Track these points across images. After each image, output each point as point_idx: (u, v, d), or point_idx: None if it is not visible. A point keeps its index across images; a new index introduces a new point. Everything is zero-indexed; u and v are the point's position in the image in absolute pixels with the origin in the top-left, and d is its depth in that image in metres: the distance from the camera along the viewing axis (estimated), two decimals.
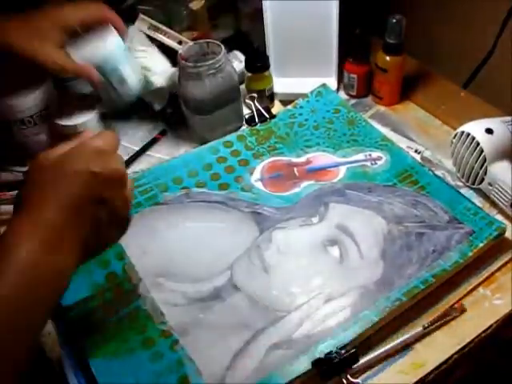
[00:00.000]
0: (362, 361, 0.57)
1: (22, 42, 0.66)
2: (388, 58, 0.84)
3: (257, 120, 0.84)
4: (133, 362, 0.57)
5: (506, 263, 0.65)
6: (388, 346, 0.58)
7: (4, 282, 0.41)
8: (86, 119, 0.78)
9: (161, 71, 0.85)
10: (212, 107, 0.81)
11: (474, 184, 0.73)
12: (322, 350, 0.56)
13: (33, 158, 0.47)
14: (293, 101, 0.87)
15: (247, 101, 0.87)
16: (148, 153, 0.85)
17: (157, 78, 0.84)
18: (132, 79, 0.76)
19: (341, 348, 0.56)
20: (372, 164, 0.76)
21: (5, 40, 0.66)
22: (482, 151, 0.70)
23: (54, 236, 0.44)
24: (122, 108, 0.85)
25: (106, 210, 0.47)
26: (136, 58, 0.83)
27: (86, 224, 0.46)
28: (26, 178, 0.46)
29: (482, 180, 0.71)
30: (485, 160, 0.69)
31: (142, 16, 0.88)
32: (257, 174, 0.76)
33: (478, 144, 0.70)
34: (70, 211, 0.44)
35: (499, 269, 0.65)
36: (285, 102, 0.90)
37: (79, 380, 0.57)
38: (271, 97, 0.90)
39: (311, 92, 0.87)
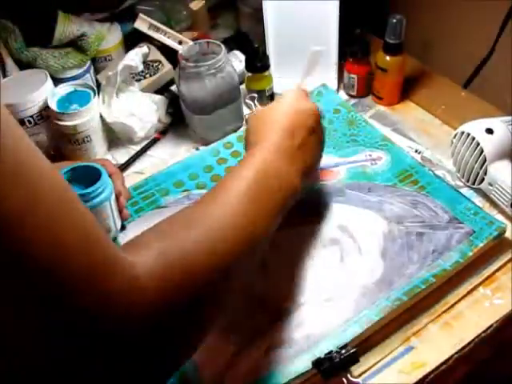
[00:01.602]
0: (363, 360, 0.57)
1: None
2: (388, 57, 0.84)
3: None
4: None
5: (506, 263, 0.65)
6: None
7: (239, 175, 0.50)
8: (87, 119, 0.78)
9: (146, 118, 0.83)
10: (212, 107, 0.81)
11: (474, 184, 0.73)
12: (322, 349, 0.57)
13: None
14: None
15: (247, 101, 0.87)
16: (148, 153, 0.85)
17: (140, 129, 0.83)
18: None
19: (341, 348, 0.56)
20: (372, 164, 0.76)
21: None
22: (482, 151, 0.70)
23: (280, 152, 0.55)
24: None
25: (313, 137, 0.60)
26: (120, 100, 0.82)
27: (302, 148, 0.57)
28: (246, 129, 0.62)
29: (482, 180, 0.71)
30: (485, 160, 0.69)
31: (142, 16, 0.88)
32: None
33: (478, 144, 0.70)
34: (288, 135, 0.57)
35: (499, 268, 0.65)
36: None
37: None
38: (271, 97, 0.90)
39: (311, 92, 0.87)
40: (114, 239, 0.69)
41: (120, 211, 0.70)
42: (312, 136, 0.59)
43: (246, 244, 0.45)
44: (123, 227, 0.71)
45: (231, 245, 0.43)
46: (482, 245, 0.64)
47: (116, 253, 0.35)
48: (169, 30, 0.88)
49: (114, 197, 0.67)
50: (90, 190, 0.63)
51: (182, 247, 0.40)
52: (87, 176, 0.65)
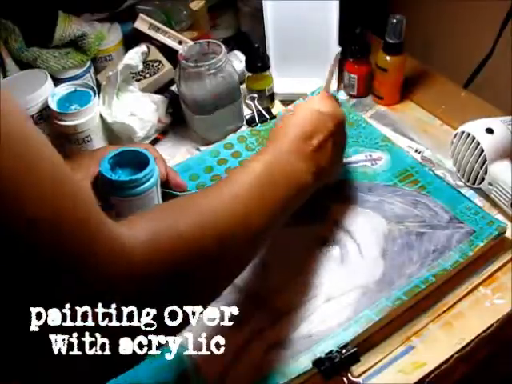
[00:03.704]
0: (363, 360, 0.57)
1: None
2: (388, 57, 0.84)
3: (257, 120, 0.84)
4: None
5: (507, 263, 0.65)
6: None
7: (247, 168, 0.53)
8: (87, 119, 0.78)
9: (146, 118, 0.83)
10: (212, 107, 0.81)
11: (474, 184, 0.73)
12: (322, 349, 0.57)
13: None
14: (293, 101, 0.87)
15: (247, 101, 0.87)
16: None
17: (140, 129, 0.82)
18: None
19: (341, 347, 0.56)
20: (372, 164, 0.76)
21: None
22: (482, 151, 0.70)
23: (293, 150, 0.57)
24: None
25: (332, 141, 0.60)
26: (120, 100, 0.82)
27: (318, 150, 0.59)
28: (272, 128, 0.65)
29: (483, 180, 0.71)
30: (485, 160, 0.69)
31: (142, 16, 0.88)
32: None
33: (479, 144, 0.70)
34: (305, 137, 0.58)
35: (500, 268, 0.65)
36: (285, 102, 0.90)
37: None
38: (271, 97, 0.90)
39: (311, 92, 0.87)
40: None
41: (178, 186, 0.73)
42: (331, 140, 0.60)
43: (238, 232, 0.46)
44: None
45: (220, 230, 0.45)
46: (482, 244, 0.64)
47: (105, 220, 0.36)
48: (169, 29, 0.88)
49: (159, 182, 0.69)
50: (140, 175, 0.65)
51: (173, 227, 0.42)
52: (134, 161, 0.67)
